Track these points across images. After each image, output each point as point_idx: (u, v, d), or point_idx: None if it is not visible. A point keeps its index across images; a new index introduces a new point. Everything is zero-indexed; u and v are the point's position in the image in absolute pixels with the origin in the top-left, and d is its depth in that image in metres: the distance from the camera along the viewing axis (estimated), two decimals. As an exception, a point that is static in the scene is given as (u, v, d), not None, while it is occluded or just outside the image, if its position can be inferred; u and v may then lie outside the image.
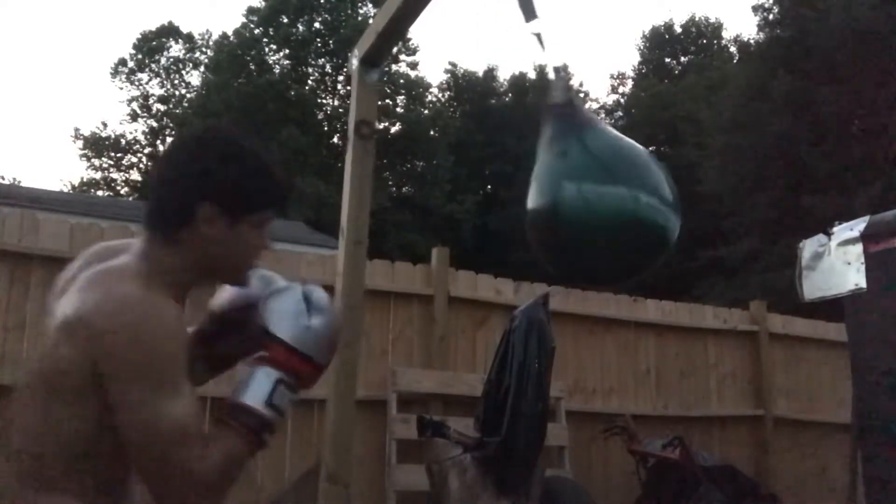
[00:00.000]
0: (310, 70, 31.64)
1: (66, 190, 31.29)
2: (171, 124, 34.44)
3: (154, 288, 1.18)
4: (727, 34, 35.80)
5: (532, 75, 37.18)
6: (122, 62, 34.80)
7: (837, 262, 3.80)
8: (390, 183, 30.12)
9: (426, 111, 31.76)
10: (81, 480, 1.18)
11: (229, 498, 1.22)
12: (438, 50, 71.53)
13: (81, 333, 1.13)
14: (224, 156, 1.26)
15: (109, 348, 1.11)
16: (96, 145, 33.93)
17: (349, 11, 30.50)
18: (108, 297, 1.15)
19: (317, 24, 31.15)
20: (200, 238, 1.24)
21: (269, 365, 1.26)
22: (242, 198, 1.26)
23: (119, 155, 34.47)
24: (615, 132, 1.63)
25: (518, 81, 35.89)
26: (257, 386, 1.24)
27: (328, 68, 31.60)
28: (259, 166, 1.29)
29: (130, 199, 31.45)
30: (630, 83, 35.55)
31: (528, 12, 1.82)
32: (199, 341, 1.45)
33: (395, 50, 24.18)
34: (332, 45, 30.35)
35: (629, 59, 62.52)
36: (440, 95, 36.02)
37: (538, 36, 1.83)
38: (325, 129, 31.09)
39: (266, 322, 1.29)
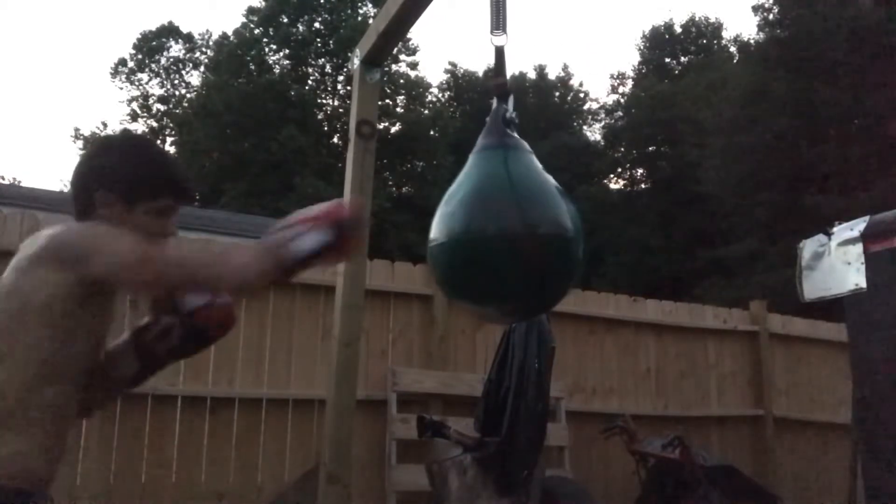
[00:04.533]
0: (310, 70, 31.62)
1: (66, 190, 31.30)
2: (171, 124, 34.44)
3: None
4: (727, 34, 35.76)
5: (532, 75, 37.29)
6: (122, 62, 34.80)
7: (837, 262, 3.80)
8: (390, 183, 30.10)
9: (426, 111, 31.74)
10: (26, 416, 1.34)
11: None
12: (438, 50, 71.57)
13: (54, 255, 1.37)
14: (119, 152, 1.55)
15: (87, 243, 1.37)
16: (96, 145, 33.91)
17: (349, 11, 30.47)
18: (61, 229, 1.42)
19: (317, 24, 31.13)
20: (102, 220, 1.48)
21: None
22: (133, 186, 1.49)
23: (119, 155, 34.45)
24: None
25: (518, 81, 35.88)
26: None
27: (328, 68, 31.58)
28: (150, 160, 1.55)
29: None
30: (630, 83, 35.52)
31: (499, 24, 1.82)
32: (133, 335, 1.62)
33: (395, 50, 24.18)
34: (332, 45, 30.33)
35: (629, 59, 62.53)
36: (440, 95, 36.02)
37: (500, 50, 1.83)
38: (325, 129, 31.06)
39: None
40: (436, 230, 1.71)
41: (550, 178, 1.73)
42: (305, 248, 1.37)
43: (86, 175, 1.52)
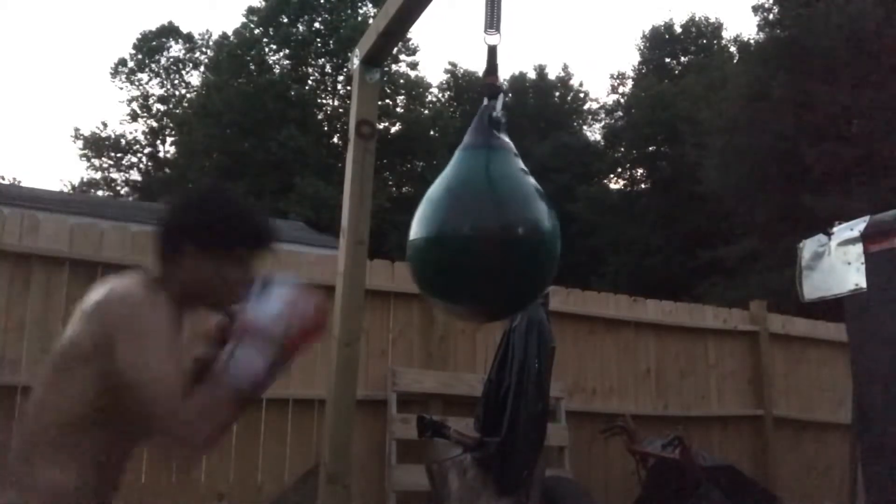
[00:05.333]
0: (310, 70, 31.63)
1: (66, 190, 31.32)
2: (171, 124, 34.46)
3: (150, 288, 1.54)
4: (727, 34, 35.78)
5: (532, 75, 37.28)
6: (122, 62, 34.85)
7: (837, 262, 3.80)
8: (390, 183, 30.12)
9: (426, 111, 31.75)
10: (72, 454, 1.46)
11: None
12: (438, 50, 71.58)
13: (96, 313, 1.48)
14: (204, 206, 1.64)
15: (117, 320, 1.46)
16: (96, 145, 33.94)
17: (349, 11, 30.48)
18: (114, 290, 1.53)
19: (317, 24, 31.14)
20: (186, 269, 1.59)
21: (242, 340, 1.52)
22: (217, 239, 1.59)
23: (119, 155, 34.51)
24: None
25: (518, 81, 35.89)
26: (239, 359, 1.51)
27: (328, 68, 31.59)
28: (233, 213, 1.63)
29: (130, 199, 31.45)
30: (630, 83, 35.50)
31: (493, 23, 1.82)
32: (196, 363, 1.72)
33: (395, 50, 24.19)
34: (332, 45, 30.34)
35: (629, 59, 62.58)
36: (440, 95, 36.03)
37: (492, 49, 1.83)
38: (325, 129, 31.07)
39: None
40: (415, 227, 1.72)
41: (531, 180, 1.72)
42: (244, 376, 1.45)
43: (173, 228, 1.62)
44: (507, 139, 1.77)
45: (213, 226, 1.59)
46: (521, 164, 1.75)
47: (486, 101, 1.81)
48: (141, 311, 1.47)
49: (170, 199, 1.70)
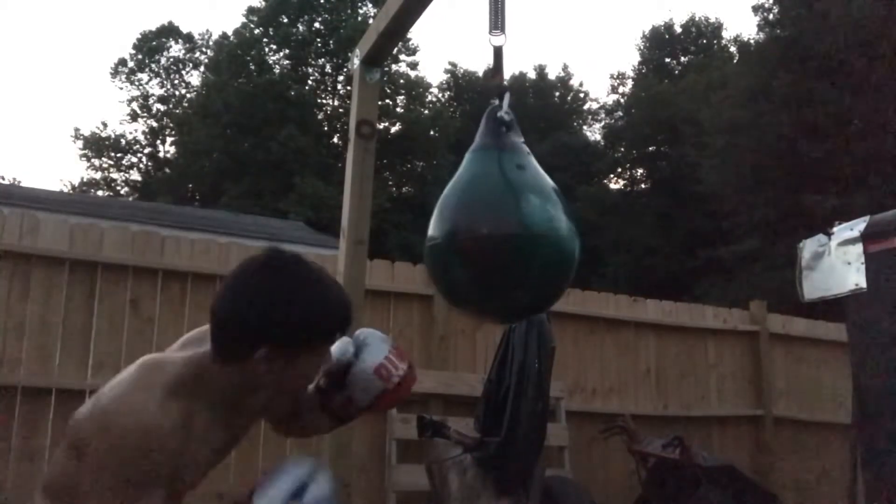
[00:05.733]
0: (310, 70, 31.64)
1: (66, 190, 31.33)
2: (171, 124, 34.48)
3: (179, 397, 1.30)
4: (727, 34, 35.81)
5: (532, 75, 37.28)
6: (122, 62, 34.85)
7: (837, 262, 3.80)
8: (390, 183, 30.10)
9: (426, 111, 31.74)
10: None
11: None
12: (438, 50, 71.60)
13: (83, 423, 1.30)
14: (284, 300, 1.31)
15: (87, 451, 1.25)
16: (96, 145, 33.94)
17: (349, 11, 30.48)
18: (118, 402, 1.28)
19: (317, 24, 31.15)
20: (255, 371, 1.33)
21: None
22: (300, 338, 1.33)
23: (119, 155, 34.50)
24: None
25: (518, 81, 35.88)
26: None
27: (328, 68, 31.60)
28: (317, 304, 1.34)
29: (130, 199, 31.45)
30: (630, 83, 35.52)
31: (497, 24, 1.81)
32: (318, 393, 1.63)
33: (395, 50, 24.16)
34: (332, 45, 30.35)
35: (629, 59, 62.60)
36: (440, 95, 36.04)
37: (498, 50, 1.83)
38: (325, 129, 31.07)
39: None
40: (431, 230, 1.70)
41: (546, 178, 1.71)
42: None
43: (245, 327, 1.31)
44: (517, 139, 1.75)
45: (302, 327, 1.32)
46: (535, 163, 1.73)
47: (495, 102, 1.80)
48: (117, 446, 1.23)
49: (227, 289, 1.35)
